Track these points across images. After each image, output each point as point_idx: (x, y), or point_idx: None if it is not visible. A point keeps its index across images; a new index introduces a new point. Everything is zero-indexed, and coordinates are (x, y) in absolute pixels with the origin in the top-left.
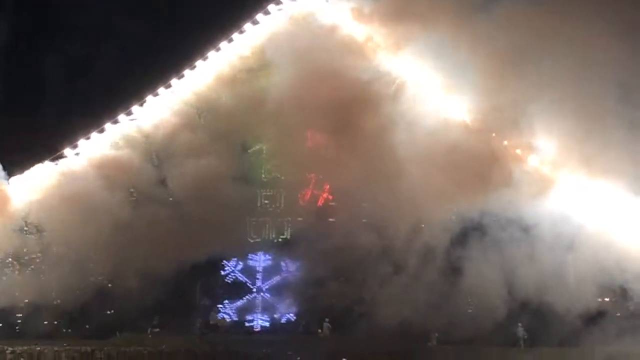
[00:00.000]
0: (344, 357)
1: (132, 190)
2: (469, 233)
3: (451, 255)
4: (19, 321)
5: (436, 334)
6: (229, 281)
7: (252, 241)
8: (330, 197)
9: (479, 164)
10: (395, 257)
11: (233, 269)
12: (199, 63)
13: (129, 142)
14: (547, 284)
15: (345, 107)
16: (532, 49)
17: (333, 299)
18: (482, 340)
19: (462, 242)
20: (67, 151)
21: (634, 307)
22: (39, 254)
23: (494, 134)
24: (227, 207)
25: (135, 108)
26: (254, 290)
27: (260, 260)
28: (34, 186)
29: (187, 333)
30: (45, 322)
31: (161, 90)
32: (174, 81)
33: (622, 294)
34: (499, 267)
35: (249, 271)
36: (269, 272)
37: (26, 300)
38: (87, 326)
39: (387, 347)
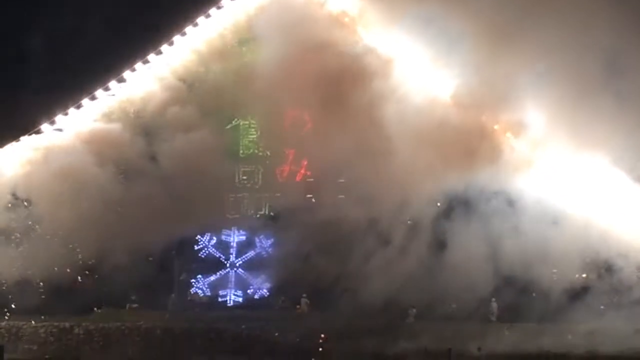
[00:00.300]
0: (322, 333)
1: (121, 165)
2: (453, 207)
3: (434, 229)
4: (9, 297)
5: (414, 310)
6: (202, 256)
7: (231, 217)
8: (309, 172)
9: (467, 140)
10: (377, 233)
11: (207, 244)
12: (180, 38)
13: (118, 116)
14: (530, 259)
15: (334, 81)
16: (521, 22)
17: (310, 275)
18: (462, 316)
19: (445, 216)
20: (45, 127)
21: (617, 284)
22: (26, 229)
23: (482, 110)
24: (216, 182)
25: (120, 81)
26: (228, 265)
27: (234, 236)
28: (21, 160)
29: (165, 309)
30: (33, 298)
31: (145, 62)
32: (154, 56)
33: (605, 270)
34: (482, 242)
35: (223, 246)
36: (243, 247)
37: (14, 276)
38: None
39: (366, 323)
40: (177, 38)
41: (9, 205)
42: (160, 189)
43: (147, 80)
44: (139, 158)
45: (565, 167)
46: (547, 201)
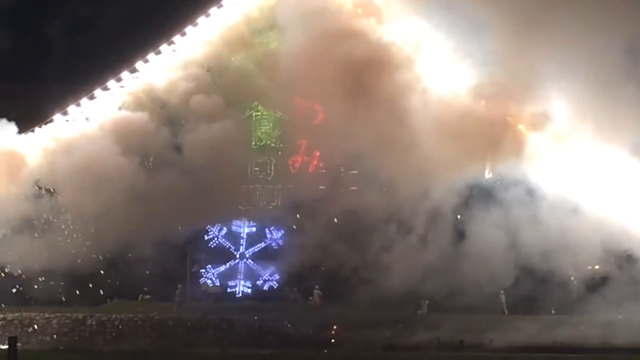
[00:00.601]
0: (334, 325)
1: (146, 155)
2: (472, 198)
3: (451, 222)
4: (35, 287)
5: (427, 302)
6: (213, 246)
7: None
8: (321, 164)
9: (490, 132)
10: (393, 224)
11: (217, 234)
12: (201, 26)
13: (142, 105)
14: (548, 251)
15: (358, 71)
16: (545, 11)
17: (323, 266)
18: (474, 307)
19: (464, 208)
20: (66, 115)
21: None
22: (51, 220)
23: (506, 101)
24: (239, 172)
25: (133, 71)
26: (237, 256)
27: (244, 227)
28: (45, 150)
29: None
30: (59, 289)
31: (168, 49)
32: (177, 41)
33: (626, 260)
34: (498, 234)
35: (233, 237)
36: (253, 238)
37: (38, 266)
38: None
39: (378, 315)
40: (199, 25)
41: (33, 194)
42: (184, 180)
43: (170, 69)
44: (163, 148)
45: (587, 157)
46: (567, 192)
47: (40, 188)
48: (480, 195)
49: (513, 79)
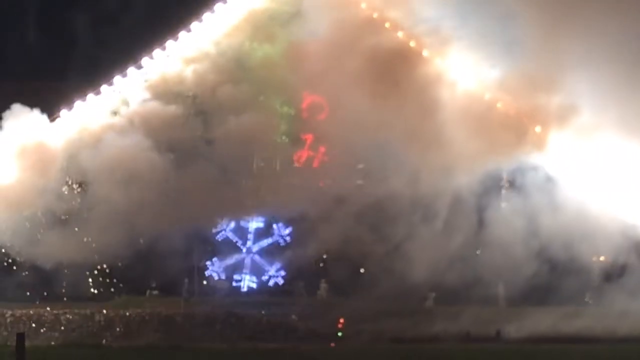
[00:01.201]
0: (341, 318)
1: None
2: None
3: (471, 213)
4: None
5: (433, 294)
6: (220, 239)
7: None
8: (326, 158)
9: (516, 125)
10: (407, 217)
11: (224, 227)
12: (224, 13)
13: (175, 97)
14: (569, 240)
15: (387, 61)
16: (575, 2)
17: (331, 260)
18: (481, 299)
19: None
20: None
21: None
22: (81, 213)
23: (533, 93)
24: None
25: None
26: (244, 251)
27: (252, 222)
28: (74, 141)
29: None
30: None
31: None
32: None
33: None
34: (509, 227)
35: (240, 232)
36: (260, 234)
37: (67, 260)
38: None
39: (385, 308)
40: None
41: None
42: (214, 172)
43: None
44: (193, 140)
45: (612, 152)
46: (589, 184)
47: (69, 182)
48: (502, 187)
49: (540, 71)
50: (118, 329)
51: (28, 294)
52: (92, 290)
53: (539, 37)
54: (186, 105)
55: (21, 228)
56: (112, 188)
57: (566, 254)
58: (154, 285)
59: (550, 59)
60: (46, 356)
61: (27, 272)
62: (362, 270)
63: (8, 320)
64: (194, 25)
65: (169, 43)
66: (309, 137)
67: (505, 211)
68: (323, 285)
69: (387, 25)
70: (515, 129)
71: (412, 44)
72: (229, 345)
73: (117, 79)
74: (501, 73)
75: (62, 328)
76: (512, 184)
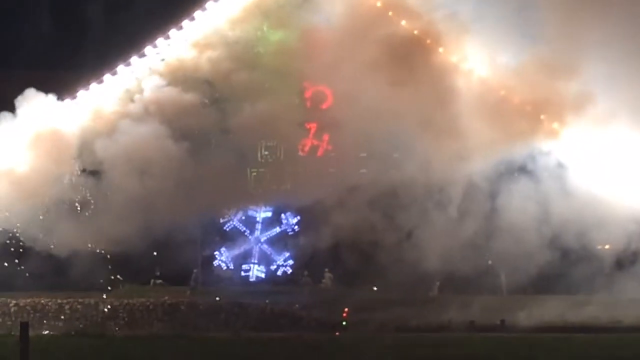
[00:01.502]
0: (346, 307)
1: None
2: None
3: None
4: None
5: (438, 283)
6: (227, 229)
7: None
8: (330, 147)
9: (530, 114)
10: (414, 204)
11: (232, 217)
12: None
13: (190, 84)
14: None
15: (403, 48)
16: None
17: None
18: (487, 288)
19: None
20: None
21: None
22: (95, 201)
23: (549, 81)
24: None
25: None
26: (252, 240)
27: (259, 211)
28: (89, 129)
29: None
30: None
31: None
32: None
33: None
34: (532, 208)
35: (248, 221)
36: (268, 223)
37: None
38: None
39: (389, 296)
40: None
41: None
42: (231, 160)
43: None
44: (211, 128)
45: (625, 140)
46: (602, 173)
47: (84, 170)
48: (514, 175)
49: (557, 59)
50: (122, 319)
51: (32, 282)
52: (99, 280)
53: (556, 24)
54: (202, 92)
55: (35, 216)
56: (127, 176)
57: (577, 241)
58: (158, 274)
59: (567, 46)
60: (50, 345)
61: (32, 261)
62: (370, 259)
63: (12, 309)
64: (206, 7)
65: (182, 27)
66: (312, 127)
67: (517, 199)
68: (327, 274)
69: (402, 12)
70: (531, 117)
71: (427, 31)
72: (233, 335)
73: (134, 59)
74: (517, 61)
75: (66, 317)
76: (524, 171)
